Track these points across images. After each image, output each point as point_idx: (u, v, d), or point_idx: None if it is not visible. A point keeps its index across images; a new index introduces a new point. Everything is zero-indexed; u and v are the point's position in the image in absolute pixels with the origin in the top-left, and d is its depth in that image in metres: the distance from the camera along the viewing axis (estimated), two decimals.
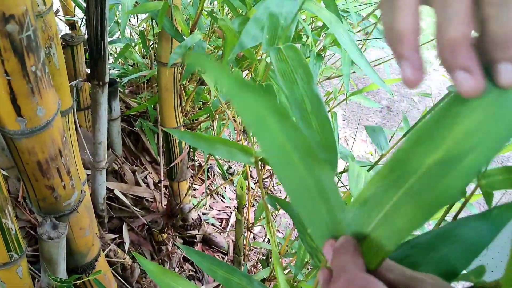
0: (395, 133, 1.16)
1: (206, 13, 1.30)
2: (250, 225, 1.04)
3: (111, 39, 1.50)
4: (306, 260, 0.85)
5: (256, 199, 1.64)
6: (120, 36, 1.22)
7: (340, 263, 0.31)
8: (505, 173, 0.40)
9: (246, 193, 1.01)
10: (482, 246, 0.33)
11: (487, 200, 0.42)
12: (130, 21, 1.56)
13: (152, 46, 1.54)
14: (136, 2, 1.09)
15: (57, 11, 1.08)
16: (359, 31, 1.21)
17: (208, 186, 1.71)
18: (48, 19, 0.83)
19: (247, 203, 1.07)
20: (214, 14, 1.13)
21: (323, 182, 0.29)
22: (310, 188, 0.29)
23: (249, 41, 0.69)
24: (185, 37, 1.06)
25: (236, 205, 1.03)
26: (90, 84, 1.07)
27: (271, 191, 1.87)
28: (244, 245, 1.13)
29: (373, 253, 0.30)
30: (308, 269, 0.93)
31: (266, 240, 1.51)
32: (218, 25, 0.85)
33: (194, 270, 1.42)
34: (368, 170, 0.71)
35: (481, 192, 0.43)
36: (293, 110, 0.46)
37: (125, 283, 1.20)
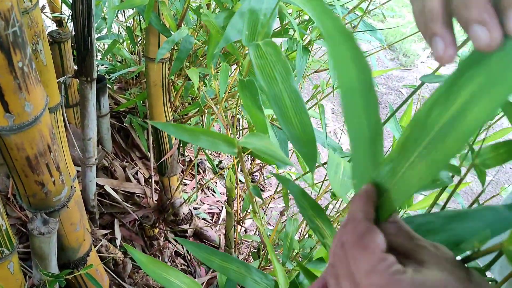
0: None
1: (194, 7, 1.30)
2: (240, 219, 1.05)
3: (98, 35, 1.50)
4: (296, 251, 0.86)
5: (246, 192, 1.65)
6: (107, 32, 1.22)
7: (352, 210, 0.33)
8: (495, 150, 0.43)
9: (236, 186, 1.02)
10: (502, 228, 0.34)
11: (480, 177, 0.44)
12: (117, 17, 1.56)
13: (140, 41, 1.54)
14: None
15: (43, 7, 1.07)
16: (345, 24, 1.23)
17: (199, 180, 1.72)
18: (34, 15, 0.83)
19: (237, 196, 1.08)
20: (201, 10, 1.14)
21: (374, 127, 0.32)
22: (364, 132, 0.33)
23: (235, 34, 0.70)
24: (172, 32, 1.07)
25: (226, 198, 1.04)
26: (78, 80, 1.07)
27: (261, 184, 1.88)
28: (234, 238, 1.14)
29: (387, 207, 0.33)
30: (299, 260, 0.95)
31: (258, 233, 1.53)
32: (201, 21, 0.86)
33: (186, 264, 1.43)
34: (349, 161, 0.72)
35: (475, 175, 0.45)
36: (273, 105, 0.47)
37: (118, 278, 1.21)
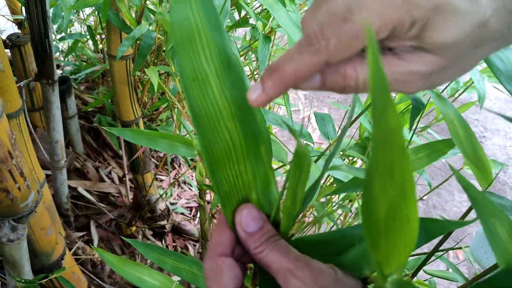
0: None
1: (153, 2, 1.29)
2: (214, 212, 1.06)
3: (61, 35, 1.47)
4: None
5: None
6: (64, 33, 1.20)
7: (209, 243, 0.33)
8: (414, 153, 0.43)
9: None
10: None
11: None
12: (78, 15, 1.54)
13: (103, 40, 1.52)
14: None
15: None
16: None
17: (175, 175, 1.71)
18: None
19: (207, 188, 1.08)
20: (159, 8, 1.13)
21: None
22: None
23: None
24: (133, 28, 1.06)
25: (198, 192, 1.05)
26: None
27: None
28: (210, 230, 1.15)
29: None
30: None
31: None
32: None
33: None
34: (316, 161, 0.72)
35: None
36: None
37: (97, 279, 1.21)
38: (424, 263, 0.52)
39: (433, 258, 0.56)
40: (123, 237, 0.93)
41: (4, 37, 1.19)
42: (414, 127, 0.58)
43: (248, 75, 1.39)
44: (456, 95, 1.09)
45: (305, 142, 1.08)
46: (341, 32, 0.27)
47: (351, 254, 0.31)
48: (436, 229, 0.32)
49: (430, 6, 0.26)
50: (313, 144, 1.06)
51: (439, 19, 0.26)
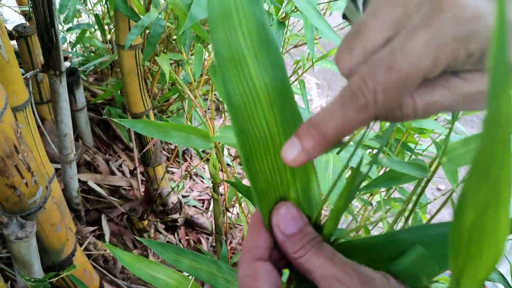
0: None
1: None
2: (227, 206, 1.02)
3: (68, 26, 1.44)
4: None
5: (234, 176, 1.62)
6: (71, 23, 1.16)
7: (243, 244, 0.30)
8: (463, 145, 0.38)
9: (221, 169, 0.99)
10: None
11: (450, 176, 0.39)
12: (86, 5, 1.50)
13: (111, 29, 1.49)
14: None
15: None
16: None
17: (186, 168, 1.68)
18: None
19: (222, 181, 1.05)
20: None
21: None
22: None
23: (201, 12, 0.66)
24: (142, 17, 1.02)
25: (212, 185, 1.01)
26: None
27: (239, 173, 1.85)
28: (224, 223, 1.12)
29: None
30: None
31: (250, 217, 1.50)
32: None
33: None
34: (338, 153, 0.68)
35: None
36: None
37: (109, 274, 1.18)
38: None
39: None
40: (136, 236, 0.90)
41: (10, 28, 1.16)
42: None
43: None
44: None
45: None
46: (387, 83, 0.24)
47: (405, 261, 0.27)
48: None
49: (487, 34, 0.23)
50: None
51: None
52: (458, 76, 0.25)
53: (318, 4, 0.99)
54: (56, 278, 0.84)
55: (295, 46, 1.30)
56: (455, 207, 0.18)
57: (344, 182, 0.60)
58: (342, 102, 0.25)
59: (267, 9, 1.11)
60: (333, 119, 0.25)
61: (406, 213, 0.62)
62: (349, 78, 0.26)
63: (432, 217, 0.65)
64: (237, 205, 1.30)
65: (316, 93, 2.51)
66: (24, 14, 1.45)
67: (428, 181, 0.44)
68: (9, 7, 1.62)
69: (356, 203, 1.48)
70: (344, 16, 0.33)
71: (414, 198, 0.62)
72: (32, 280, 0.79)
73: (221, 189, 1.43)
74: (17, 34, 1.16)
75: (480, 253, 0.18)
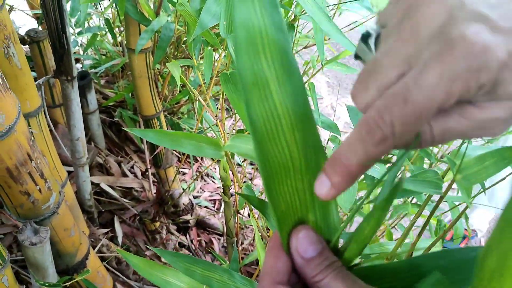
0: None
1: None
2: (238, 209, 1.03)
3: (79, 30, 1.45)
4: None
5: (244, 178, 1.63)
6: (81, 27, 1.17)
7: (262, 267, 0.30)
8: (479, 162, 0.38)
9: (231, 170, 0.99)
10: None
11: (464, 193, 0.39)
12: (96, 8, 1.51)
13: (122, 32, 1.49)
14: None
15: (11, 8, 1.03)
16: None
17: (197, 168, 1.69)
18: (2, 17, 0.79)
19: (234, 183, 1.05)
20: None
21: None
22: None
23: (210, 19, 0.66)
24: (152, 20, 1.02)
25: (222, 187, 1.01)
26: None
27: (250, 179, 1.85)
28: (236, 224, 1.12)
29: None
30: None
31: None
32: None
33: (191, 254, 1.42)
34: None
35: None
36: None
37: (122, 276, 1.20)
38: None
39: None
40: (148, 237, 0.90)
41: (22, 32, 1.17)
42: None
43: None
44: None
45: (332, 134, 1.04)
46: (403, 116, 0.25)
47: (423, 286, 0.27)
48: None
49: (497, 66, 0.24)
50: (340, 136, 1.02)
51: (511, 74, 0.24)
52: (473, 104, 0.26)
53: (327, 6, 0.99)
54: (70, 282, 0.85)
55: (305, 47, 1.29)
56: (483, 247, 0.19)
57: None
58: (360, 137, 0.26)
59: None
60: (354, 154, 0.26)
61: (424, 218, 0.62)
62: (366, 112, 0.27)
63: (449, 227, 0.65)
64: (248, 206, 1.31)
65: (326, 91, 2.50)
66: (37, 17, 1.47)
67: (442, 197, 0.44)
68: (22, 11, 1.64)
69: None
70: (357, 56, 0.34)
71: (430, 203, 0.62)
72: (47, 284, 0.80)
73: (232, 190, 1.44)
74: (29, 39, 1.17)
75: None
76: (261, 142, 0.28)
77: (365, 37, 0.32)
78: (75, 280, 0.87)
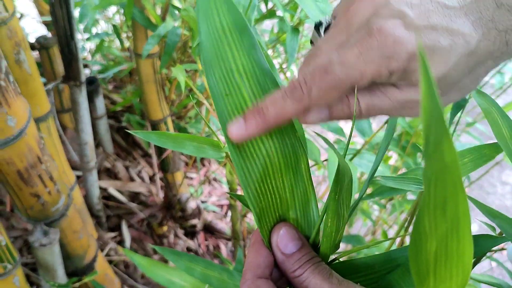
0: None
1: None
2: (245, 213, 1.04)
3: (88, 35, 1.47)
4: None
5: None
6: (89, 33, 1.19)
7: (245, 262, 0.32)
8: (471, 153, 0.39)
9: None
10: None
11: None
12: (105, 14, 1.53)
13: (129, 38, 1.51)
14: None
15: (22, 16, 1.05)
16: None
17: (205, 173, 1.70)
18: (13, 25, 0.80)
19: (239, 187, 1.06)
20: (184, 2, 1.11)
21: None
22: None
23: None
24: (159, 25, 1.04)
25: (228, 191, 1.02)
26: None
27: None
28: (243, 228, 1.13)
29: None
30: None
31: None
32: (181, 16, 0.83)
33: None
34: (351, 159, 0.68)
35: None
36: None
37: (130, 279, 1.21)
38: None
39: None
40: (156, 241, 0.91)
41: (33, 38, 1.19)
42: (456, 121, 0.54)
43: (277, 69, 1.35)
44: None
45: (336, 136, 1.04)
46: (321, 82, 0.29)
47: (394, 275, 0.28)
48: (489, 244, 0.30)
49: (406, 57, 0.28)
50: (345, 138, 1.02)
51: (417, 65, 0.28)
52: (396, 86, 0.30)
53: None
54: (79, 283, 0.86)
55: None
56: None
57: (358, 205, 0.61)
58: (283, 94, 0.30)
59: (282, 16, 1.12)
60: (273, 106, 0.30)
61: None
62: None
63: None
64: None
65: None
66: (46, 24, 1.49)
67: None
68: (32, 18, 1.67)
69: (375, 206, 1.48)
70: (311, 42, 0.38)
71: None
72: (56, 285, 0.81)
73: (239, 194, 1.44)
74: (39, 45, 1.19)
75: (447, 279, 0.20)
76: (236, 148, 0.30)
77: (317, 26, 0.35)
78: (83, 281, 0.88)
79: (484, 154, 0.42)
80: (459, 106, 0.57)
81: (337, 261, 0.31)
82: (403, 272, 0.28)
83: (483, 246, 0.31)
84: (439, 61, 0.28)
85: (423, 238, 0.20)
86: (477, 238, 0.30)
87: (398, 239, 0.59)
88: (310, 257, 0.29)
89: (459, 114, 0.56)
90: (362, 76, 0.28)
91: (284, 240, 0.30)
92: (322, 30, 0.35)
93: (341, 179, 0.26)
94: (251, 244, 0.32)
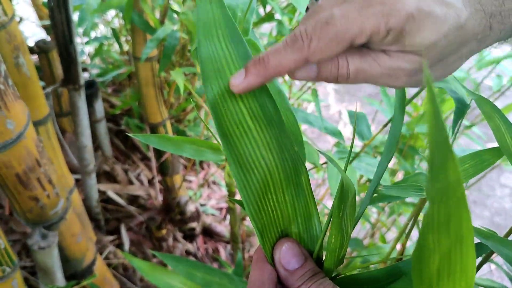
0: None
1: (177, 0, 1.27)
2: (243, 216, 1.04)
3: (87, 39, 1.48)
4: None
5: None
6: (87, 36, 1.20)
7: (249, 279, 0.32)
8: (472, 159, 0.39)
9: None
10: None
11: None
12: (104, 18, 1.54)
13: (128, 41, 1.52)
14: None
15: (21, 19, 1.06)
16: None
17: (204, 176, 1.70)
18: (12, 29, 0.81)
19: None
20: (183, 5, 1.11)
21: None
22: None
23: None
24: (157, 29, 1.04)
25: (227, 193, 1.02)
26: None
27: None
28: (242, 231, 1.13)
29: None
30: None
31: None
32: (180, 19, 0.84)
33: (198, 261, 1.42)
34: (350, 162, 0.69)
35: None
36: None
37: (129, 282, 1.21)
38: None
39: None
40: (155, 245, 0.91)
41: (32, 42, 1.19)
42: (457, 126, 0.54)
43: None
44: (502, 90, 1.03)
45: (336, 140, 1.05)
46: (322, 34, 0.30)
47: (397, 285, 0.28)
48: (484, 251, 0.30)
49: (405, 16, 0.29)
50: (344, 141, 1.02)
51: (414, 26, 0.29)
52: (386, 52, 0.31)
53: None
54: (78, 287, 0.86)
55: None
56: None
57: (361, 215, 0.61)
58: (284, 44, 0.31)
59: (280, 19, 1.12)
60: (274, 55, 0.31)
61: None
62: None
63: None
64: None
65: (333, 98, 2.51)
66: (45, 28, 1.50)
67: (425, 200, 0.45)
68: (32, 22, 1.67)
69: (373, 209, 1.48)
70: (307, 9, 0.39)
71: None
72: (55, 287, 0.81)
73: (238, 197, 1.45)
74: (38, 49, 1.19)
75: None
76: (237, 163, 0.30)
77: None
78: (82, 284, 0.88)
79: (484, 159, 0.42)
80: (461, 112, 0.57)
81: (342, 275, 0.31)
82: (406, 282, 0.28)
83: (483, 252, 0.31)
84: (432, 28, 0.29)
85: (426, 253, 0.20)
86: (478, 246, 0.31)
87: (399, 245, 0.59)
88: (313, 273, 0.29)
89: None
90: (361, 32, 0.29)
91: (286, 257, 0.30)
92: None
93: (345, 196, 0.26)
94: (254, 261, 0.31)
